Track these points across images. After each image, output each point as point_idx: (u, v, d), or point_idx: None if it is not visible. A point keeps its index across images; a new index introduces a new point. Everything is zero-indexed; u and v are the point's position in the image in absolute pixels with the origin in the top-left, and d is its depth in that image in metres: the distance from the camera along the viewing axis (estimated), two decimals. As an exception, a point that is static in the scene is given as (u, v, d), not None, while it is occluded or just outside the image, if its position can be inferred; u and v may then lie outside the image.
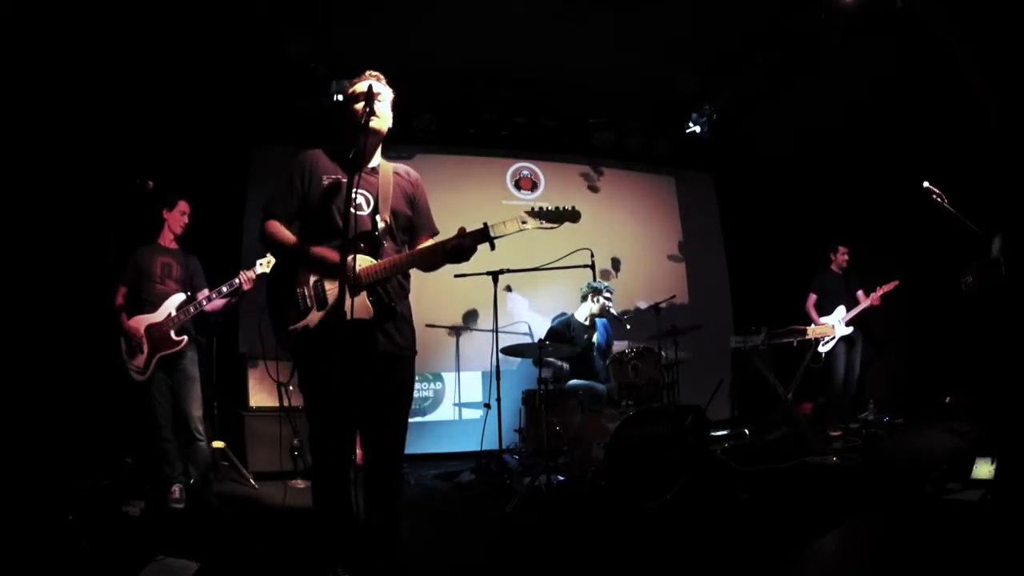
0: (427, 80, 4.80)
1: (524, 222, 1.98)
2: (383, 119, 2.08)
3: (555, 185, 6.06)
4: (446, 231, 2.10)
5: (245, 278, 3.38)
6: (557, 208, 2.04)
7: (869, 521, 2.80)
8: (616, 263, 6.07)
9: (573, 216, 2.06)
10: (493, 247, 1.99)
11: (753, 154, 6.22)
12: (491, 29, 4.48)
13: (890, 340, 5.57)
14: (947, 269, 4.10)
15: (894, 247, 5.37)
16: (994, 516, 2.56)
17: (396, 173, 2.17)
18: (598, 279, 4.59)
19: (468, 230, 1.97)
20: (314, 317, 1.97)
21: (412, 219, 2.18)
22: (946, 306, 4.58)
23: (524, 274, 4.57)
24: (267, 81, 4.76)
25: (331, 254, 1.95)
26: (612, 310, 4.65)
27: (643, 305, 4.55)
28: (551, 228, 2.03)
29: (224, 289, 3.39)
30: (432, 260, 2.03)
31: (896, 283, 4.85)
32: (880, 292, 4.87)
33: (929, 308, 5.03)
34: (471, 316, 5.49)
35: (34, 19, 3.66)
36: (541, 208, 2.03)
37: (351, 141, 2.01)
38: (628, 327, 4.51)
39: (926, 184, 3.66)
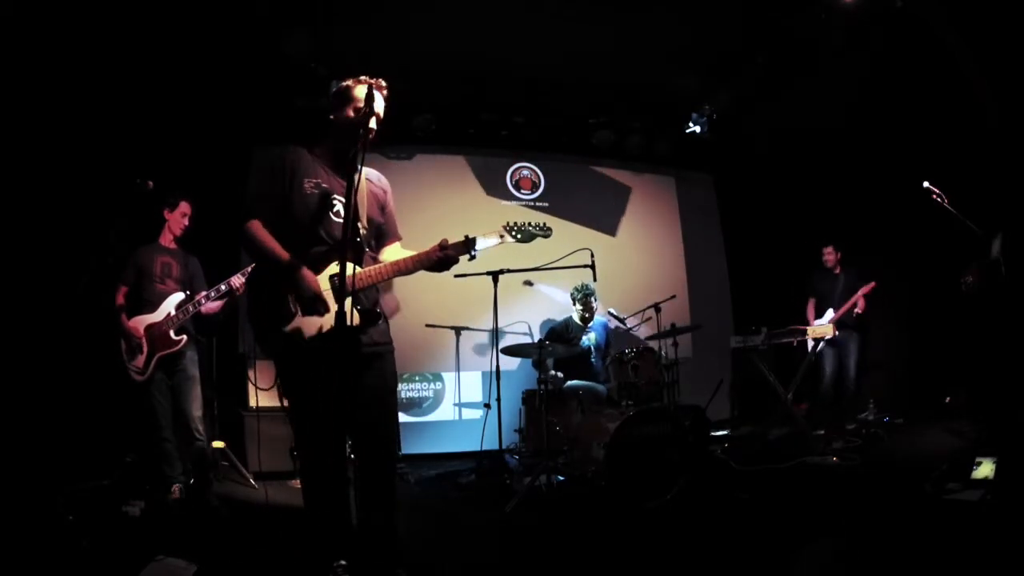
0: (427, 80, 4.81)
1: (502, 236, 2.14)
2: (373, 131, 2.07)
3: (555, 185, 6.07)
4: (446, 231, 2.11)
5: (239, 283, 3.37)
6: (528, 225, 2.20)
7: (868, 521, 2.80)
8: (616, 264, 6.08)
9: (545, 233, 2.23)
10: (473, 257, 2.09)
11: (753, 154, 6.22)
12: (491, 29, 4.48)
13: (888, 342, 5.57)
14: (947, 269, 4.10)
15: (894, 247, 5.37)
16: (994, 516, 2.56)
17: (369, 180, 2.18)
18: (590, 282, 4.61)
19: (451, 241, 2.06)
20: (300, 323, 1.96)
21: (382, 226, 2.21)
22: (946, 306, 4.58)
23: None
24: (267, 81, 4.76)
25: (314, 283, 1.94)
26: (612, 310, 4.66)
27: (633, 322, 4.59)
28: (524, 243, 2.19)
29: (222, 288, 3.38)
30: (415, 270, 2.08)
31: (873, 284, 4.84)
32: (857, 295, 4.86)
33: (929, 308, 5.04)
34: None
35: (34, 19, 3.66)
36: (516, 224, 2.18)
37: (348, 142, 1.99)
38: (629, 327, 4.52)
39: (926, 184, 3.66)
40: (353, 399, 1.99)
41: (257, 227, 2.01)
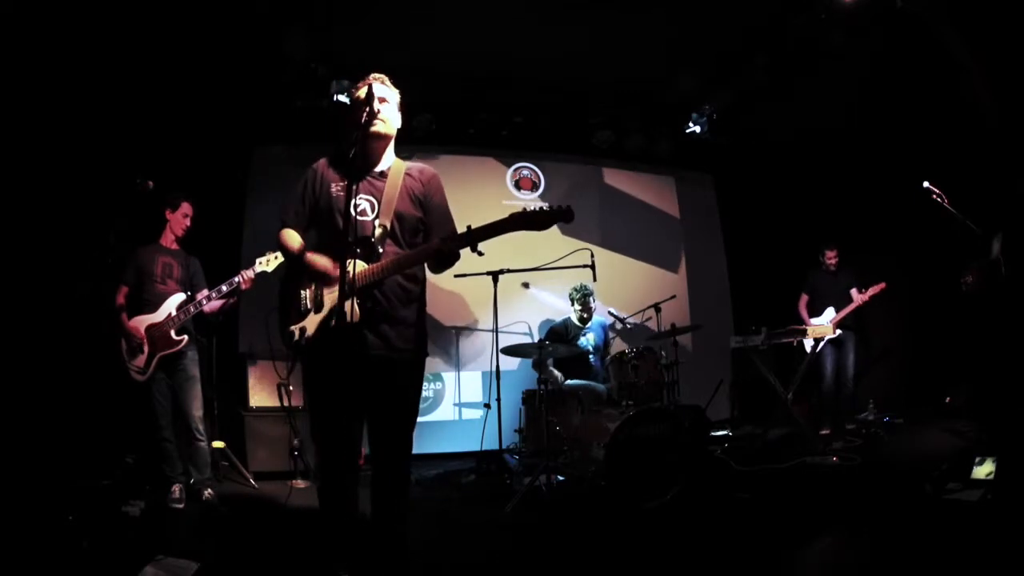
0: (427, 80, 4.80)
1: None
2: (388, 123, 2.09)
3: (555, 185, 6.07)
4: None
5: (244, 278, 3.38)
6: (543, 209, 1.92)
7: (868, 521, 2.80)
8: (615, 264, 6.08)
9: (565, 215, 1.91)
10: (479, 252, 1.96)
11: (753, 154, 6.23)
12: (491, 29, 4.48)
13: (889, 341, 5.58)
14: (947, 269, 4.10)
15: (894, 247, 5.37)
16: (994, 516, 2.56)
17: (407, 174, 2.15)
18: (588, 282, 4.61)
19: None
20: (310, 320, 2.01)
21: (423, 220, 2.14)
22: (946, 306, 4.58)
23: (538, 272, 4.58)
24: (267, 81, 4.76)
25: (322, 261, 2.01)
26: (612, 309, 4.66)
27: (635, 321, 4.59)
28: (540, 230, 1.92)
29: (224, 288, 3.38)
30: (421, 263, 2.04)
31: (883, 285, 4.82)
32: (866, 295, 4.85)
33: (929, 308, 5.03)
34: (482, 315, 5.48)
35: (34, 19, 3.66)
36: (528, 209, 1.95)
37: (352, 146, 2.01)
38: (628, 327, 4.52)
39: (926, 184, 3.66)
40: (370, 402, 1.99)
41: (286, 233, 2.14)
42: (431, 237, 2.11)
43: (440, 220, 2.16)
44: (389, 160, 2.16)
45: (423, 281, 2.15)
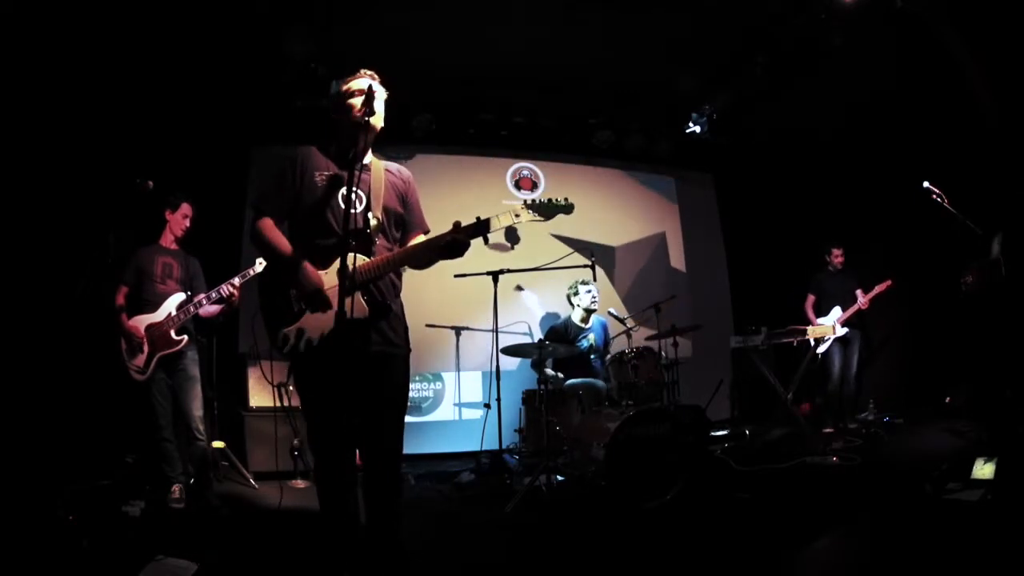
0: (427, 80, 4.80)
1: (517, 215, 2.02)
2: (379, 117, 2.07)
3: (555, 185, 6.06)
4: (445, 230, 2.08)
5: (229, 290, 3.35)
6: (550, 200, 2.07)
7: (868, 521, 2.80)
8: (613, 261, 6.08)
9: (566, 208, 2.08)
10: (487, 241, 2.03)
11: (753, 154, 6.23)
12: (491, 29, 4.48)
13: (889, 341, 5.58)
14: (947, 269, 4.10)
15: (894, 247, 5.37)
16: (994, 516, 2.56)
17: (387, 171, 2.17)
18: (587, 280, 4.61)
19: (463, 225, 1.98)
20: (307, 321, 1.96)
21: (404, 217, 2.17)
22: (946, 306, 4.58)
23: (533, 274, 4.57)
24: (267, 81, 4.76)
25: (315, 277, 1.94)
26: (612, 310, 4.65)
27: (633, 322, 4.60)
28: (543, 220, 2.06)
29: (213, 295, 3.37)
30: (427, 256, 2.02)
31: (888, 283, 4.85)
32: (872, 294, 4.87)
33: (929, 308, 5.04)
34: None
35: (34, 19, 3.66)
36: (534, 201, 2.06)
37: (348, 138, 2.00)
38: (630, 327, 4.52)
39: (926, 184, 3.66)
40: (366, 399, 1.96)
41: (266, 225, 2.04)
42: (409, 234, 2.17)
43: (419, 218, 2.22)
44: (370, 155, 2.15)
45: (402, 276, 2.16)
